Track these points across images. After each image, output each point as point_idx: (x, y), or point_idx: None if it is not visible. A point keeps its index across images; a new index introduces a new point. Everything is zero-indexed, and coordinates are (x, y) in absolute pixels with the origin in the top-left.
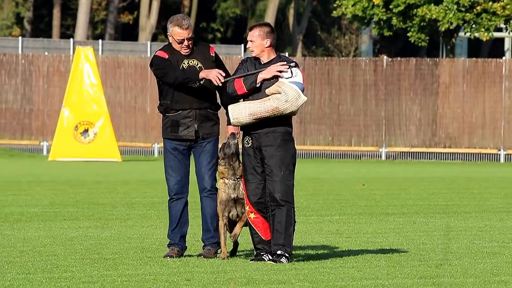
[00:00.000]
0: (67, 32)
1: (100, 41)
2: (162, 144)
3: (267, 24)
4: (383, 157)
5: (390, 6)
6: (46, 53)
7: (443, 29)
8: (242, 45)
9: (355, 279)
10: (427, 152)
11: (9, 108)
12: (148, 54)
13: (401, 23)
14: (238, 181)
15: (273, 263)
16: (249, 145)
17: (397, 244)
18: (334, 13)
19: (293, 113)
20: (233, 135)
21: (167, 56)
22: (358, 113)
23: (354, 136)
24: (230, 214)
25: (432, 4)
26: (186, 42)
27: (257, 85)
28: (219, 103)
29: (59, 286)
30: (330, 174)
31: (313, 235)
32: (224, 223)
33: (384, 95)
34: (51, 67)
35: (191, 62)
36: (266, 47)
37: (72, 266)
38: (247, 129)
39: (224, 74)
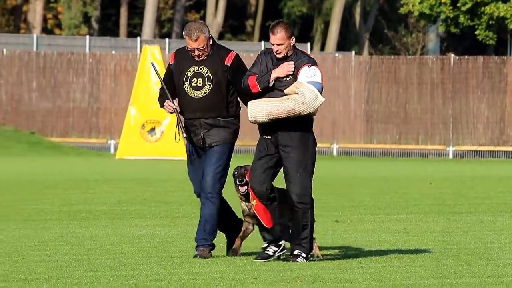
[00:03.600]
0: (134, 31)
1: (166, 39)
2: None
3: (286, 22)
4: (450, 156)
5: (458, 4)
6: (113, 52)
7: (511, 27)
8: (309, 44)
9: (422, 278)
10: (495, 151)
11: (77, 107)
12: None
13: (468, 21)
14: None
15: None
16: (268, 137)
17: (465, 243)
18: (401, 11)
19: (311, 114)
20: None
21: (172, 61)
22: (425, 112)
23: (421, 134)
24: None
25: (500, 2)
26: (196, 52)
27: (270, 85)
28: (233, 111)
29: (126, 284)
30: (397, 173)
31: (379, 233)
32: (250, 230)
33: (451, 93)
34: (118, 66)
35: (199, 69)
36: (292, 45)
37: (139, 264)
38: (266, 127)
39: (174, 106)
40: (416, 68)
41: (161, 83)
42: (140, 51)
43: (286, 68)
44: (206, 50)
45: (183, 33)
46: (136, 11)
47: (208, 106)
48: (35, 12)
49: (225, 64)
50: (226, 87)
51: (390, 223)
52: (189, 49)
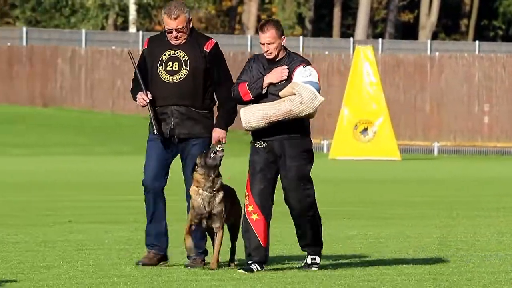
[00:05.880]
0: (347, 31)
1: (380, 40)
2: (442, 143)
3: (277, 20)
4: None
5: None
6: (326, 53)
7: None
8: None
9: None
10: None
11: None
12: (428, 53)
13: None
14: (215, 194)
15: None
16: (262, 146)
17: None
18: None
19: (310, 115)
20: (217, 143)
21: (146, 46)
22: None
23: None
24: (201, 223)
25: None
26: (174, 33)
27: (263, 92)
28: (207, 103)
29: (339, 284)
30: None
31: None
32: (192, 230)
33: None
34: (331, 67)
35: (176, 53)
36: (282, 45)
37: (352, 264)
38: (260, 134)
39: (147, 100)
40: None
41: (136, 73)
42: (353, 51)
43: (280, 73)
44: (185, 32)
45: (162, 12)
46: (349, 12)
47: (182, 93)
48: (249, 13)
49: (204, 49)
50: (203, 74)
51: None
52: (166, 30)
